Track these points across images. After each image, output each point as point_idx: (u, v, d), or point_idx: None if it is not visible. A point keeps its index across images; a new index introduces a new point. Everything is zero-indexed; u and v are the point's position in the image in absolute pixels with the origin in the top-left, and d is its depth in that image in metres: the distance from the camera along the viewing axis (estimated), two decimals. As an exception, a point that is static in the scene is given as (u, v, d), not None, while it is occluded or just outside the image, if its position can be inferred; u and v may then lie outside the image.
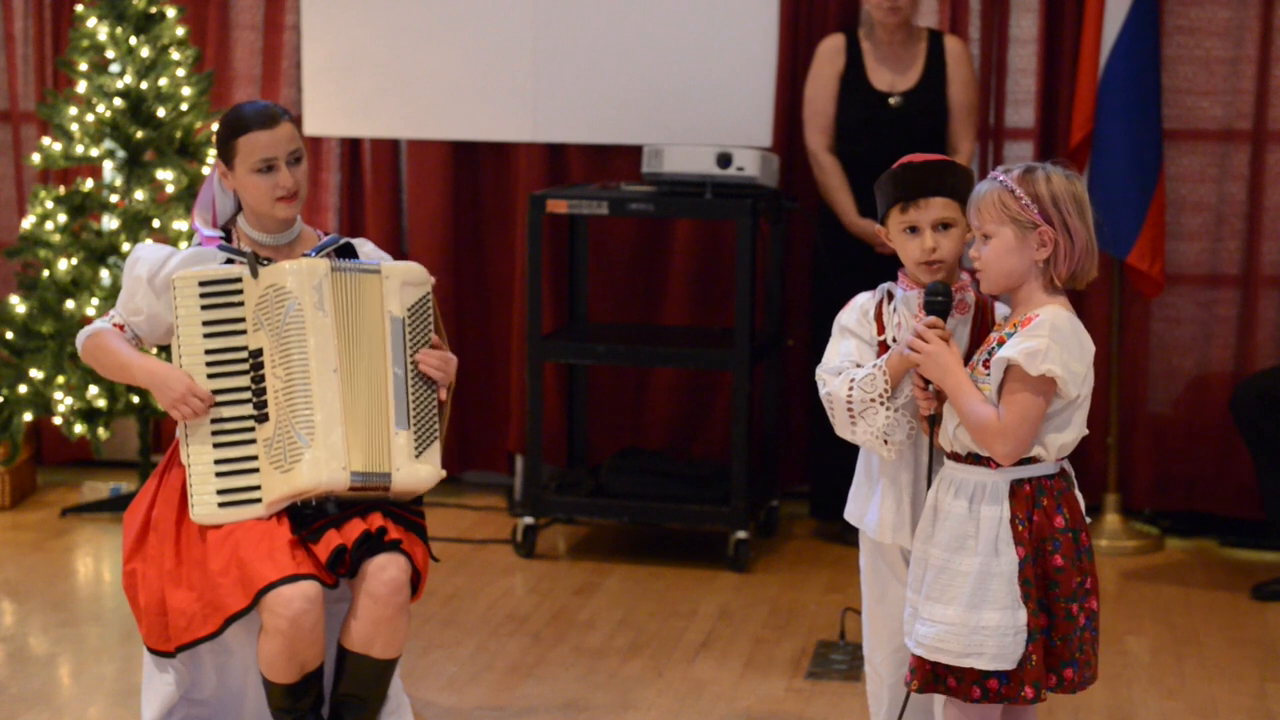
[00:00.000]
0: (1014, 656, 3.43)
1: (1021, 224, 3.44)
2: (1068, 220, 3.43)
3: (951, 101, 6.01)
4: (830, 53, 6.08)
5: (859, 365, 3.67)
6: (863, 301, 3.76)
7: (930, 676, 3.51)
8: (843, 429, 3.68)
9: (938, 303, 3.56)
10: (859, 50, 6.06)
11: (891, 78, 6.02)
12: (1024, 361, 3.38)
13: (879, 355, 3.67)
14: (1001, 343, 3.46)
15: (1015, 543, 3.43)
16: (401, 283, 4.04)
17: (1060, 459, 3.51)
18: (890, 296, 3.72)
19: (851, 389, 3.63)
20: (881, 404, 3.61)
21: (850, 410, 3.64)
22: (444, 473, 4.06)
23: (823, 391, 3.69)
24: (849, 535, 6.21)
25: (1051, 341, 3.38)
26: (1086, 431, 3.54)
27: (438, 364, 4.05)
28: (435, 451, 4.03)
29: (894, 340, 3.65)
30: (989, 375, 3.46)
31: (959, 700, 3.52)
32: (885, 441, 3.64)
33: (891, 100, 5.99)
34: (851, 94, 6.05)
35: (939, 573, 3.50)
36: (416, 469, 3.98)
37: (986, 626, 3.43)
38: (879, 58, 6.04)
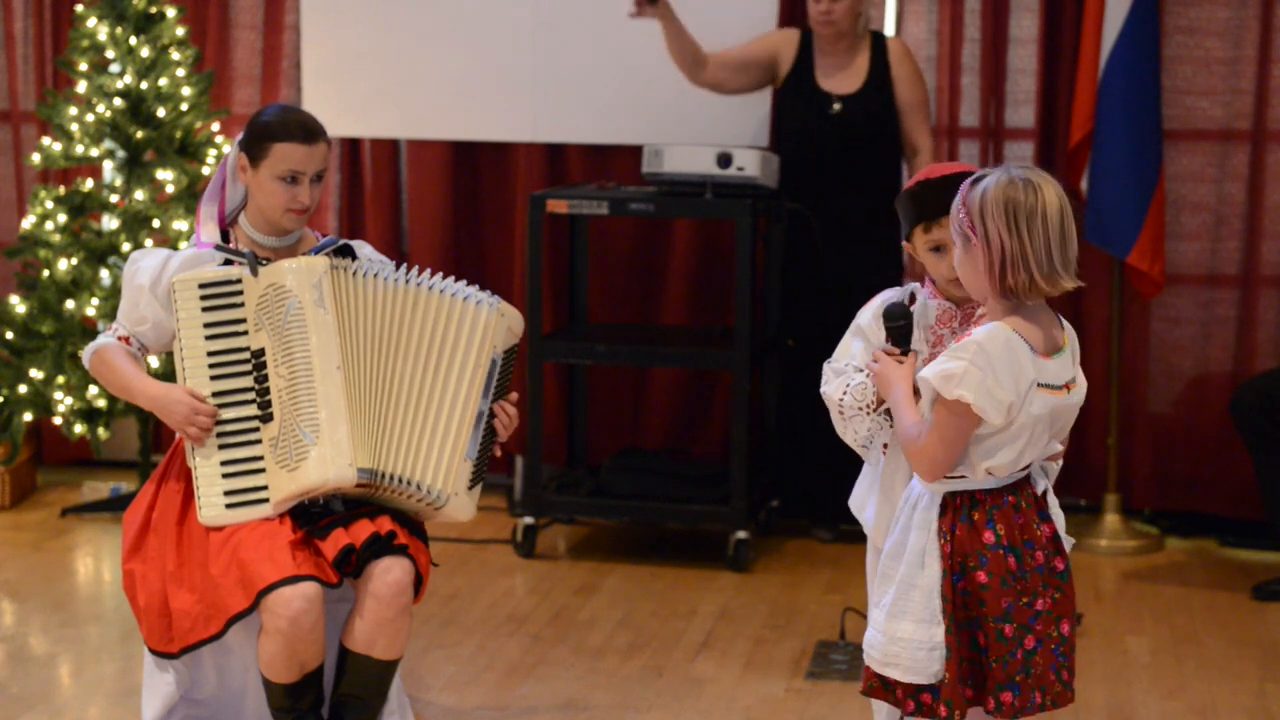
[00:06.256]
0: (928, 671, 3.35)
1: (963, 236, 3.34)
2: (988, 230, 3.28)
3: (901, 101, 6.04)
4: (783, 43, 6.13)
5: (858, 369, 3.67)
6: (878, 304, 3.74)
7: (880, 682, 3.44)
8: (837, 428, 3.70)
9: (896, 328, 3.51)
10: (810, 50, 6.09)
11: (834, 82, 6.05)
12: (938, 385, 3.28)
13: None
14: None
15: (939, 556, 3.36)
16: (508, 327, 4.05)
17: (999, 477, 3.38)
18: (913, 299, 3.70)
19: (844, 395, 3.63)
20: (867, 413, 3.61)
21: (841, 414, 3.65)
22: (475, 514, 4.09)
23: (822, 388, 3.70)
24: (814, 531, 6.26)
25: (972, 365, 3.26)
26: (1060, 448, 3.45)
27: (507, 423, 4.08)
28: (478, 492, 4.06)
29: None
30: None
31: (901, 713, 3.46)
32: (866, 447, 3.65)
33: (834, 106, 6.02)
34: (796, 94, 6.08)
35: (881, 578, 3.46)
36: (465, 502, 4.01)
37: (902, 638, 3.37)
38: (825, 61, 6.07)
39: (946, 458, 3.32)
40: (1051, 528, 3.42)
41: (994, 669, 3.35)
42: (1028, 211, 3.27)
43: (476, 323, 4.01)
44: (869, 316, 3.71)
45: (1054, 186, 3.32)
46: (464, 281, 4.07)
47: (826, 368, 3.71)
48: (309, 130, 4.03)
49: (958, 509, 3.37)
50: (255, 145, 4.03)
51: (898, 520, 3.46)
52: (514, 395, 4.11)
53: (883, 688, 3.44)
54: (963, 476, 3.36)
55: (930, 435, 3.32)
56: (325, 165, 4.06)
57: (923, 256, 3.64)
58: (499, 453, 4.15)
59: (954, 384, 3.26)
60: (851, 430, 3.64)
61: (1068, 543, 3.45)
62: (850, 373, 3.65)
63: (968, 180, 3.36)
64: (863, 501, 3.79)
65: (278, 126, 4.02)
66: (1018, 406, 3.29)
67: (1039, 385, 3.32)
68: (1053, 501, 3.47)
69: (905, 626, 3.37)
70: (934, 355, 3.59)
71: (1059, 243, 3.29)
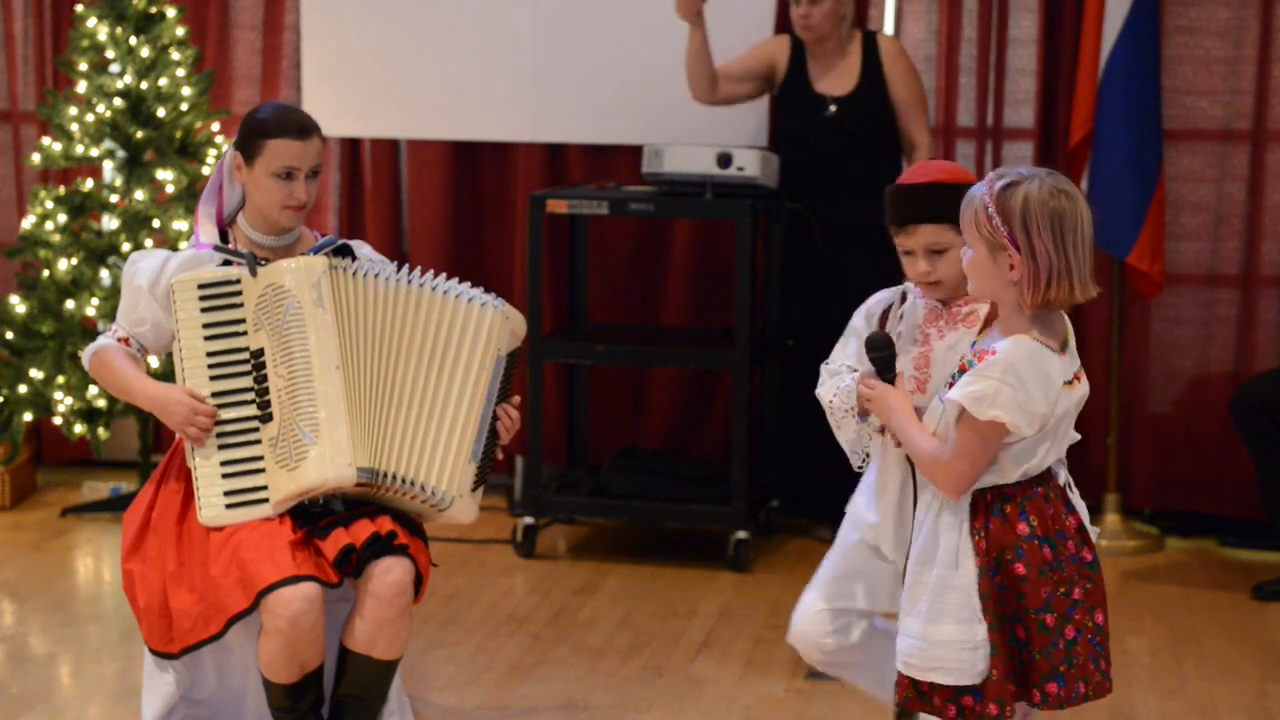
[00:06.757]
0: (973, 672, 3.32)
1: (992, 244, 3.27)
2: (1034, 244, 3.22)
3: (896, 99, 6.04)
4: (777, 50, 6.14)
5: (851, 369, 3.69)
6: (872, 304, 3.75)
7: (916, 693, 3.41)
8: (834, 431, 3.72)
9: (880, 358, 3.51)
10: (802, 54, 6.09)
11: (828, 84, 6.05)
12: (970, 406, 3.25)
13: None
14: (964, 370, 3.33)
15: (974, 554, 3.33)
16: (512, 330, 4.06)
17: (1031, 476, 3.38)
18: (904, 298, 3.71)
19: (834, 398, 3.65)
20: (854, 418, 3.62)
21: (832, 416, 3.67)
22: (477, 516, 4.08)
23: (817, 390, 3.71)
24: (814, 531, 6.27)
25: (1002, 384, 3.23)
26: (1078, 437, 3.44)
27: (510, 425, 4.08)
28: (480, 494, 4.05)
29: None
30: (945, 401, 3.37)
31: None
32: (855, 453, 3.68)
33: (829, 109, 6.02)
34: (792, 98, 6.09)
35: (911, 585, 3.42)
36: (469, 504, 4.01)
37: (944, 640, 3.34)
38: (817, 64, 6.07)
39: (973, 474, 3.31)
40: (1077, 518, 3.42)
41: (1037, 660, 3.33)
42: (1072, 224, 3.24)
43: (481, 325, 4.01)
44: (863, 318, 3.73)
45: (1079, 191, 3.30)
46: (468, 283, 4.07)
47: (823, 369, 3.72)
48: (302, 126, 4.03)
49: (988, 505, 3.35)
50: (249, 143, 4.03)
51: (921, 526, 3.43)
52: (516, 399, 4.11)
53: (919, 698, 3.40)
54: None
55: (956, 455, 3.30)
56: (320, 161, 4.06)
57: (900, 255, 3.66)
58: (500, 455, 4.15)
59: (986, 405, 3.24)
60: (841, 433, 3.68)
61: (1093, 533, 3.44)
62: (844, 373, 3.67)
63: (998, 185, 3.28)
64: (866, 501, 3.81)
65: (271, 123, 4.03)
66: (1050, 414, 3.29)
67: (1063, 383, 3.32)
68: (1074, 492, 3.46)
69: (946, 629, 3.34)
70: (921, 355, 3.62)
71: (1090, 251, 3.27)
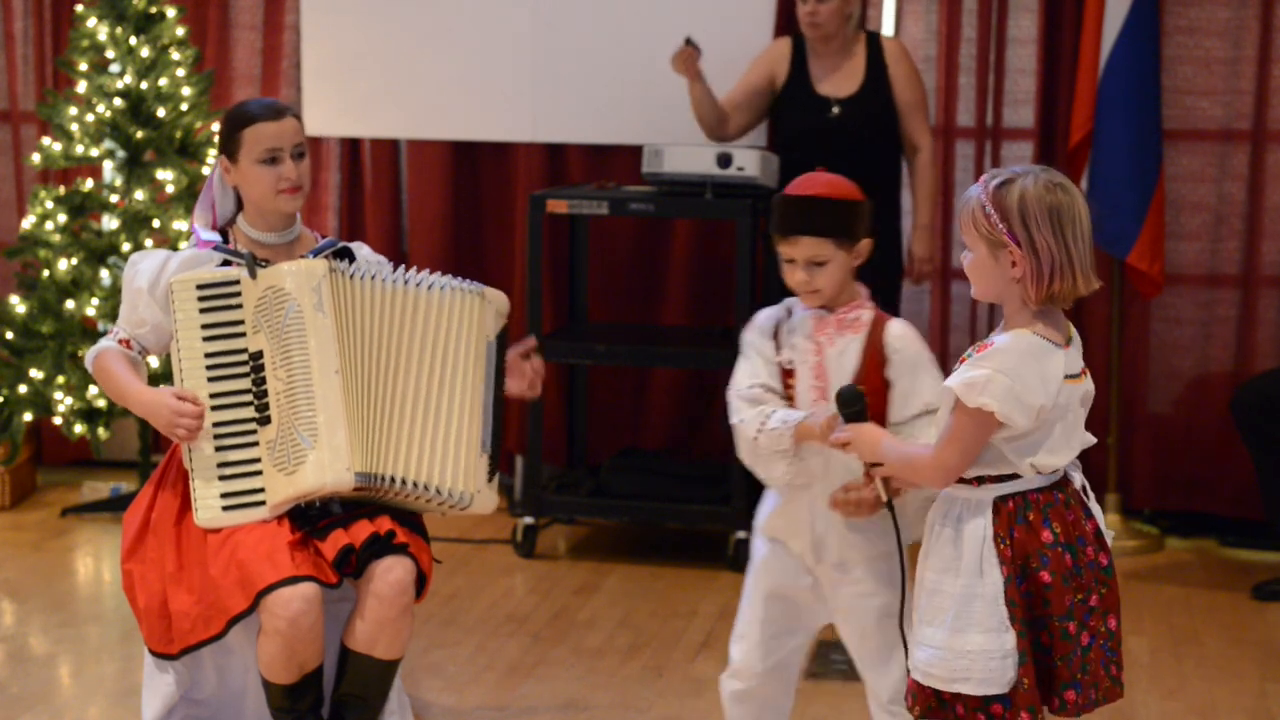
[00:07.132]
0: (1002, 680, 3.28)
1: (992, 242, 3.26)
2: (1035, 238, 3.20)
3: (899, 101, 6.03)
4: (775, 58, 6.12)
5: (766, 387, 3.73)
6: (762, 321, 3.82)
7: (936, 702, 3.38)
8: (744, 457, 3.76)
9: (852, 413, 3.51)
10: (804, 55, 6.08)
11: (833, 85, 6.04)
12: (961, 393, 3.24)
13: (779, 374, 3.73)
14: (963, 362, 3.32)
15: (999, 562, 3.29)
16: (495, 310, 4.07)
17: (1047, 473, 3.36)
18: (790, 313, 3.77)
19: (759, 434, 3.67)
20: (785, 458, 3.67)
21: (754, 451, 3.71)
22: (497, 504, 4.08)
23: (733, 419, 3.73)
24: None
25: (997, 373, 3.22)
26: (1093, 440, 3.42)
27: (531, 376, 4.17)
28: (496, 481, 4.06)
29: (789, 363, 3.72)
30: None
31: None
32: (780, 486, 3.74)
33: (834, 110, 6.01)
34: (794, 100, 6.08)
35: (930, 595, 3.38)
36: (488, 496, 4.01)
37: (971, 650, 3.29)
38: (820, 64, 6.06)
39: (961, 464, 3.30)
40: (1094, 523, 3.41)
41: (1058, 668, 3.32)
42: (1071, 216, 3.23)
43: (464, 313, 4.02)
44: (756, 333, 3.80)
45: (1074, 185, 3.30)
46: (448, 275, 4.08)
47: (733, 397, 3.75)
48: (274, 108, 4.07)
49: (1011, 512, 3.32)
50: (229, 140, 4.06)
51: (935, 535, 3.40)
52: (531, 339, 4.15)
53: (940, 707, 3.37)
54: (1015, 476, 3.33)
55: (946, 444, 3.29)
56: (301, 140, 4.07)
57: (781, 262, 3.73)
58: (539, 395, 4.17)
59: (977, 392, 3.23)
60: (763, 468, 3.72)
61: (1108, 536, 3.44)
62: (767, 401, 3.70)
63: (993, 184, 3.27)
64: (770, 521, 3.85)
65: (244, 113, 4.08)
66: (1049, 408, 3.27)
67: (1065, 377, 3.30)
68: (1090, 496, 3.45)
69: (973, 638, 3.30)
70: (817, 365, 3.69)
71: (1090, 243, 3.27)
